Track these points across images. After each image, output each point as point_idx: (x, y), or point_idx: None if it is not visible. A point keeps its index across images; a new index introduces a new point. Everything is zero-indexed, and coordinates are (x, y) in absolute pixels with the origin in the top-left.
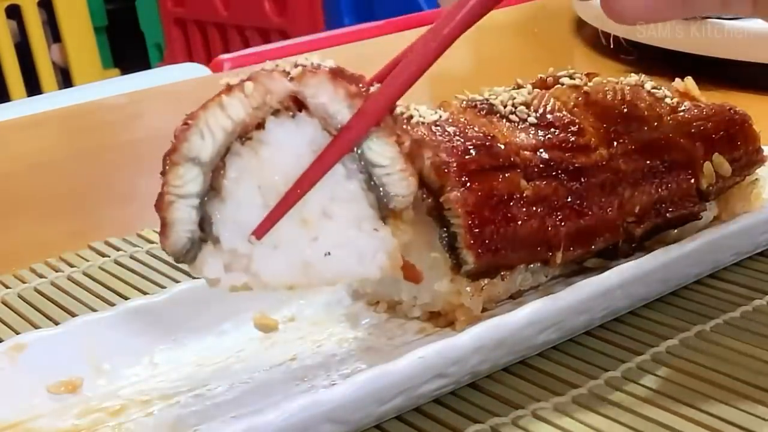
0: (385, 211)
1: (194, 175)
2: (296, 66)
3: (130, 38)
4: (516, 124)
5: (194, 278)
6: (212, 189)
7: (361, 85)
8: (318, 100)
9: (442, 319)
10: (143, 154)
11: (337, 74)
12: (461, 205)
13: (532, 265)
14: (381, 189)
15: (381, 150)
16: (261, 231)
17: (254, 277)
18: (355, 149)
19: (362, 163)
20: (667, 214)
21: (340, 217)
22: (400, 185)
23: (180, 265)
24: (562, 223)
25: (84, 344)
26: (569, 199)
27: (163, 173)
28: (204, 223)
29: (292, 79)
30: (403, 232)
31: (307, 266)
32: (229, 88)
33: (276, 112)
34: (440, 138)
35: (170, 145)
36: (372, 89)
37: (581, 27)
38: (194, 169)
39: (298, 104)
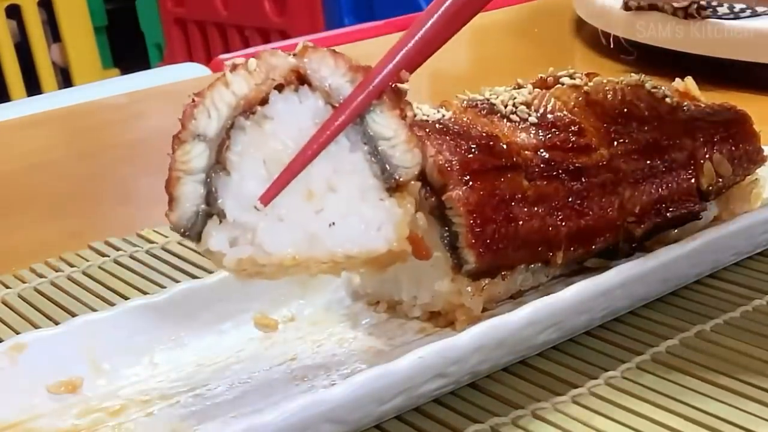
0: (391, 184)
1: (200, 151)
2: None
3: (130, 38)
4: (517, 124)
5: (194, 278)
6: (218, 163)
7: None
8: (320, 74)
9: (442, 319)
10: (143, 154)
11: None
12: (463, 204)
13: (532, 265)
14: (386, 161)
15: (385, 122)
16: (267, 198)
17: (258, 249)
18: (359, 121)
19: (366, 135)
20: (667, 214)
21: (345, 188)
22: (405, 157)
23: (185, 240)
24: (563, 223)
25: (84, 344)
26: (570, 199)
27: (172, 149)
28: (210, 198)
29: (294, 55)
30: (408, 205)
31: (311, 237)
32: (234, 67)
33: (279, 87)
34: (443, 137)
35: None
36: None
37: (581, 27)
38: (200, 145)
39: (300, 79)
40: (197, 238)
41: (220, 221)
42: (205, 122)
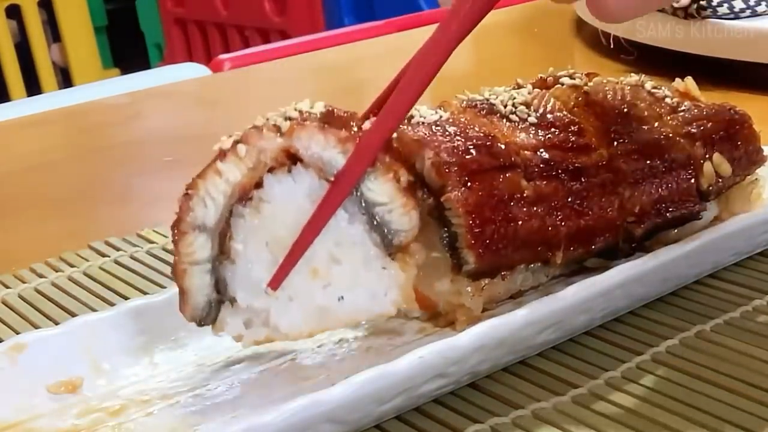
0: (392, 248)
1: (203, 242)
2: (286, 119)
3: (130, 38)
4: (516, 124)
5: None
6: (222, 253)
7: (352, 124)
8: (311, 151)
9: (442, 319)
10: (143, 154)
11: (327, 119)
12: (462, 205)
13: (532, 265)
14: (384, 227)
15: (379, 189)
16: (275, 283)
17: (274, 330)
18: (354, 192)
19: (363, 204)
20: (667, 214)
21: (348, 260)
22: (402, 220)
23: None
24: (563, 223)
25: (84, 344)
26: (569, 199)
27: (173, 242)
28: (219, 285)
29: (282, 134)
30: (411, 266)
31: (322, 312)
32: (222, 154)
33: (272, 169)
34: (441, 138)
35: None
36: (366, 124)
37: (581, 27)
38: (202, 236)
39: (292, 158)
40: (213, 323)
41: (233, 305)
42: (202, 213)
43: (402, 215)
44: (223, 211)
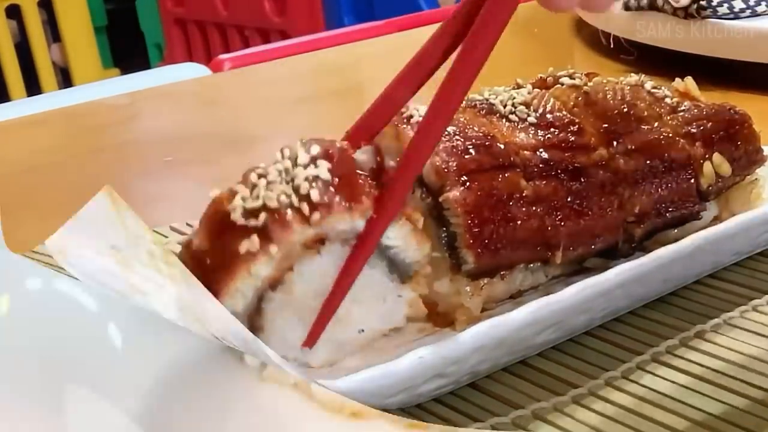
0: (404, 279)
1: None
2: (302, 199)
3: (130, 38)
4: (516, 124)
5: None
6: (253, 329)
7: (365, 187)
8: (338, 230)
9: (442, 319)
10: (143, 155)
11: (337, 175)
12: (461, 205)
13: (531, 265)
14: (399, 263)
15: (395, 234)
16: (310, 342)
17: (302, 368)
18: None
19: (380, 250)
20: (667, 214)
21: (368, 299)
22: (416, 254)
23: None
24: (562, 223)
25: None
26: (569, 199)
27: None
28: None
29: (311, 223)
30: (422, 285)
31: (344, 344)
32: (253, 255)
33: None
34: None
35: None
36: (360, 156)
37: (581, 27)
38: None
39: (320, 240)
40: None
41: None
42: (231, 304)
43: (416, 250)
44: (252, 299)
